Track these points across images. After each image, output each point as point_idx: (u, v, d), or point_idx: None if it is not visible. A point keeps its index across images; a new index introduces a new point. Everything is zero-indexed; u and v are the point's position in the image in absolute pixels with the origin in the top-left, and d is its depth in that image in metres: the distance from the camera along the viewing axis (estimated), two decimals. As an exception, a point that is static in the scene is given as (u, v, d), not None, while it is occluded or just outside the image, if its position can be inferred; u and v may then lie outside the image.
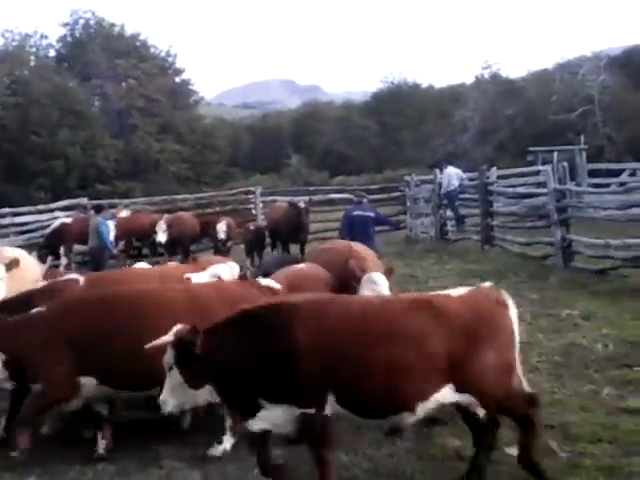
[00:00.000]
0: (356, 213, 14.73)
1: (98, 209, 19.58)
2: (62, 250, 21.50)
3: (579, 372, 8.64)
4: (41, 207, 24.35)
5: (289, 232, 20.13)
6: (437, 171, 23.02)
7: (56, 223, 21.94)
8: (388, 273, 8.38)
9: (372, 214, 15.12)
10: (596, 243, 14.64)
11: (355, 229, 14.40)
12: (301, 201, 20.39)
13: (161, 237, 20.78)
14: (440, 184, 22.28)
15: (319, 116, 61.92)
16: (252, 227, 21.12)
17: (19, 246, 21.82)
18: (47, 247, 21.31)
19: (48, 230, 21.81)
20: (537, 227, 17.63)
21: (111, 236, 18.94)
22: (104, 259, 18.26)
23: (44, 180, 35.78)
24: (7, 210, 23.39)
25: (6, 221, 22.85)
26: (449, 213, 22.43)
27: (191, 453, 6.85)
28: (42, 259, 21.26)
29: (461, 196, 22.15)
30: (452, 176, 21.87)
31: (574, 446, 6.50)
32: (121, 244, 20.86)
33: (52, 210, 23.98)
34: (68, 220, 22.02)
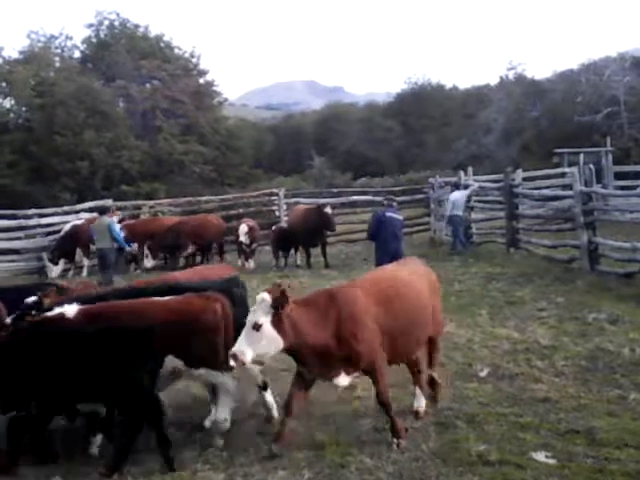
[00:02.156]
0: (388, 214, 14.76)
1: (103, 211, 19.45)
2: (80, 252, 21.73)
3: (605, 377, 8.58)
4: (67, 208, 24.48)
5: (310, 235, 20.16)
6: (462, 173, 22.91)
7: (68, 226, 22.14)
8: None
9: (401, 217, 15.25)
10: (622, 246, 14.54)
11: (385, 230, 14.51)
12: (327, 206, 20.36)
13: (147, 263, 21.06)
14: (466, 185, 22.17)
15: (342, 117, 61.82)
16: (276, 229, 21.19)
17: (45, 247, 22.28)
18: (59, 249, 21.60)
19: (61, 232, 22.05)
20: (563, 230, 17.47)
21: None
22: (115, 259, 18.34)
23: (69, 181, 35.97)
24: (33, 211, 23.58)
25: (32, 222, 23.03)
26: (474, 215, 22.28)
27: (215, 456, 6.86)
28: (54, 261, 21.66)
29: (485, 199, 22.06)
30: (457, 201, 21.34)
31: (600, 451, 6.46)
32: (135, 246, 20.81)
33: (77, 211, 24.10)
34: (79, 222, 22.13)
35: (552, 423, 7.16)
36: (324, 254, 20.25)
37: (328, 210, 19.89)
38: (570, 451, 6.49)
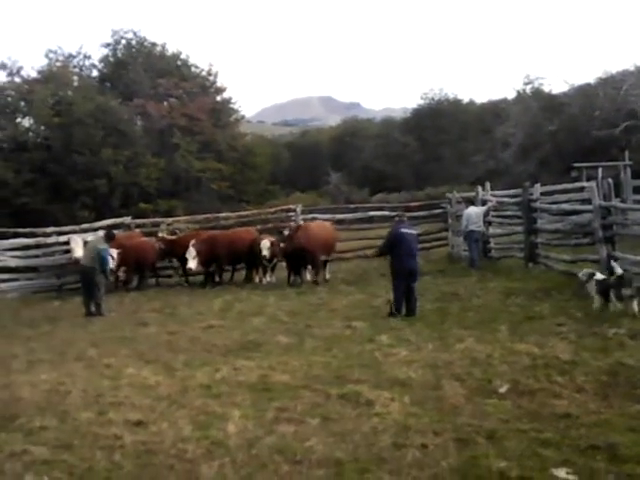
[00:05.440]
0: (404, 230, 14.70)
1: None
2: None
3: (626, 392, 8.47)
4: (85, 226, 24.52)
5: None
6: (479, 188, 22.89)
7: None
8: None
9: (415, 232, 15.27)
10: (642, 261, 14.42)
11: (401, 247, 14.50)
12: (287, 228, 20.77)
13: (192, 264, 21.22)
14: (484, 201, 22.14)
15: (359, 133, 62.01)
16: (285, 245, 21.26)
17: (63, 264, 22.40)
18: None
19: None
20: (582, 244, 17.34)
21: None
22: (99, 281, 17.60)
23: (88, 199, 36.22)
24: (52, 229, 23.68)
25: (51, 240, 23.12)
26: (492, 230, 22.21)
27: (234, 472, 6.81)
28: None
29: (504, 213, 22.00)
30: (472, 217, 21.36)
31: (622, 467, 6.36)
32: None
33: (96, 229, 24.09)
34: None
35: (573, 439, 7.06)
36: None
37: (285, 232, 20.31)
38: (591, 467, 6.40)
